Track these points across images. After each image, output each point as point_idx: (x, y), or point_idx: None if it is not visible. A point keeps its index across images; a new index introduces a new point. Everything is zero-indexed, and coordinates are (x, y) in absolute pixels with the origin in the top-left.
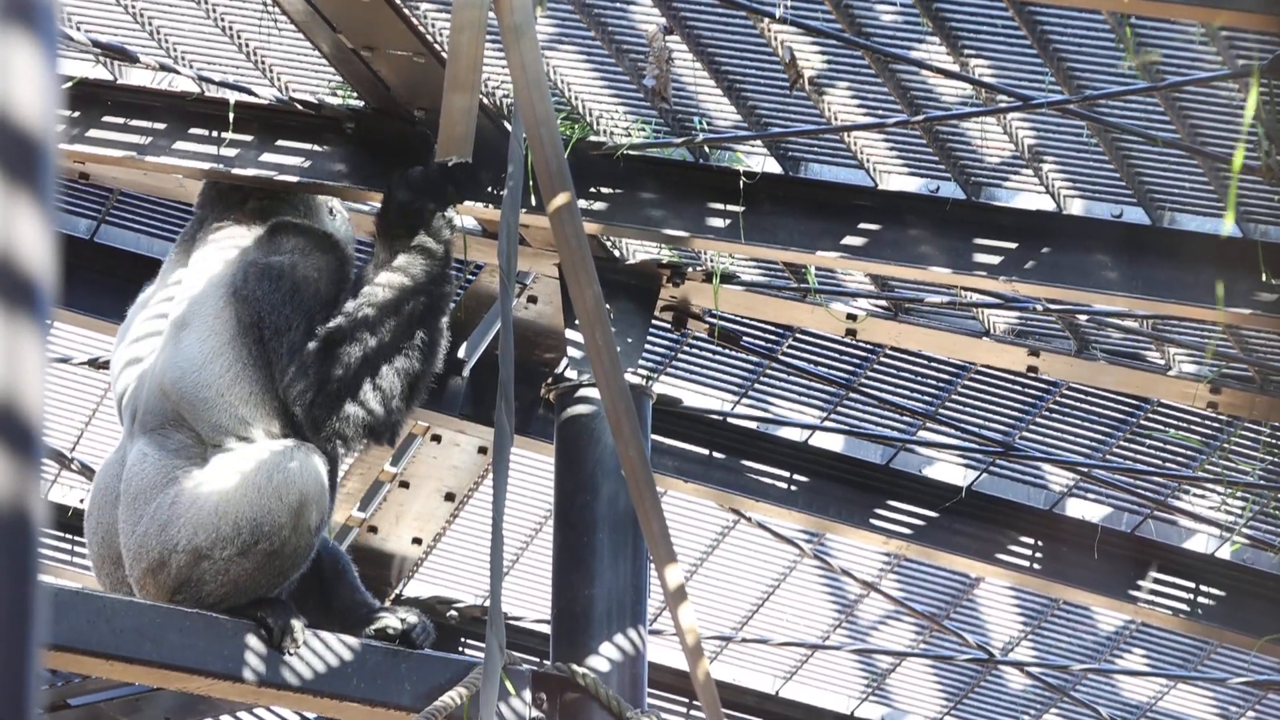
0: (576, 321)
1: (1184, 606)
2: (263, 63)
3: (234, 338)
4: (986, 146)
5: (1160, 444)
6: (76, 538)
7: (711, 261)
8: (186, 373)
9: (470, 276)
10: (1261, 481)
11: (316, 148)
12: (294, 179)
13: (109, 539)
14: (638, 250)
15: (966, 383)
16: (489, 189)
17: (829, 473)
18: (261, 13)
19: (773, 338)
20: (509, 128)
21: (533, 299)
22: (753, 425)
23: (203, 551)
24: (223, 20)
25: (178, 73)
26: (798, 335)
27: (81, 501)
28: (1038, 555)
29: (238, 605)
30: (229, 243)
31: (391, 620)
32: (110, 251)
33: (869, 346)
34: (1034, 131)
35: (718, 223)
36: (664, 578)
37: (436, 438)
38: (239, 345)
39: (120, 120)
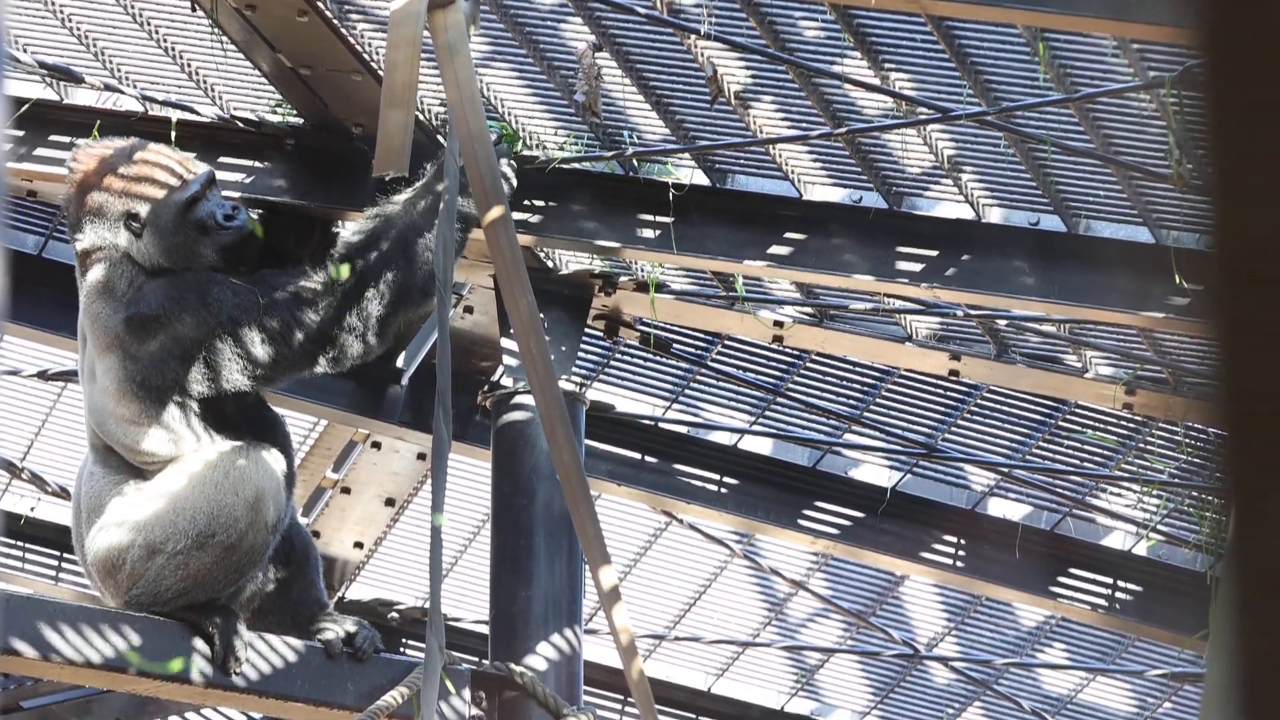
0: (512, 331)
1: (1102, 602)
2: (205, 82)
3: (128, 388)
4: (907, 158)
5: (1078, 444)
6: (28, 545)
7: (645, 273)
8: (104, 421)
9: None
10: (1175, 479)
11: (257, 164)
12: (235, 194)
13: (81, 550)
14: (570, 261)
15: (890, 387)
16: None
17: (758, 475)
18: (203, 34)
19: (702, 344)
20: (444, 143)
21: (469, 309)
22: (683, 430)
23: (157, 546)
24: (165, 41)
25: (122, 92)
26: (726, 342)
27: (32, 510)
28: (960, 553)
29: (195, 602)
30: (88, 292)
31: (333, 631)
32: (58, 266)
33: (795, 352)
34: (953, 143)
35: (648, 233)
36: (598, 579)
37: (376, 445)
38: (135, 393)
39: (66, 139)
